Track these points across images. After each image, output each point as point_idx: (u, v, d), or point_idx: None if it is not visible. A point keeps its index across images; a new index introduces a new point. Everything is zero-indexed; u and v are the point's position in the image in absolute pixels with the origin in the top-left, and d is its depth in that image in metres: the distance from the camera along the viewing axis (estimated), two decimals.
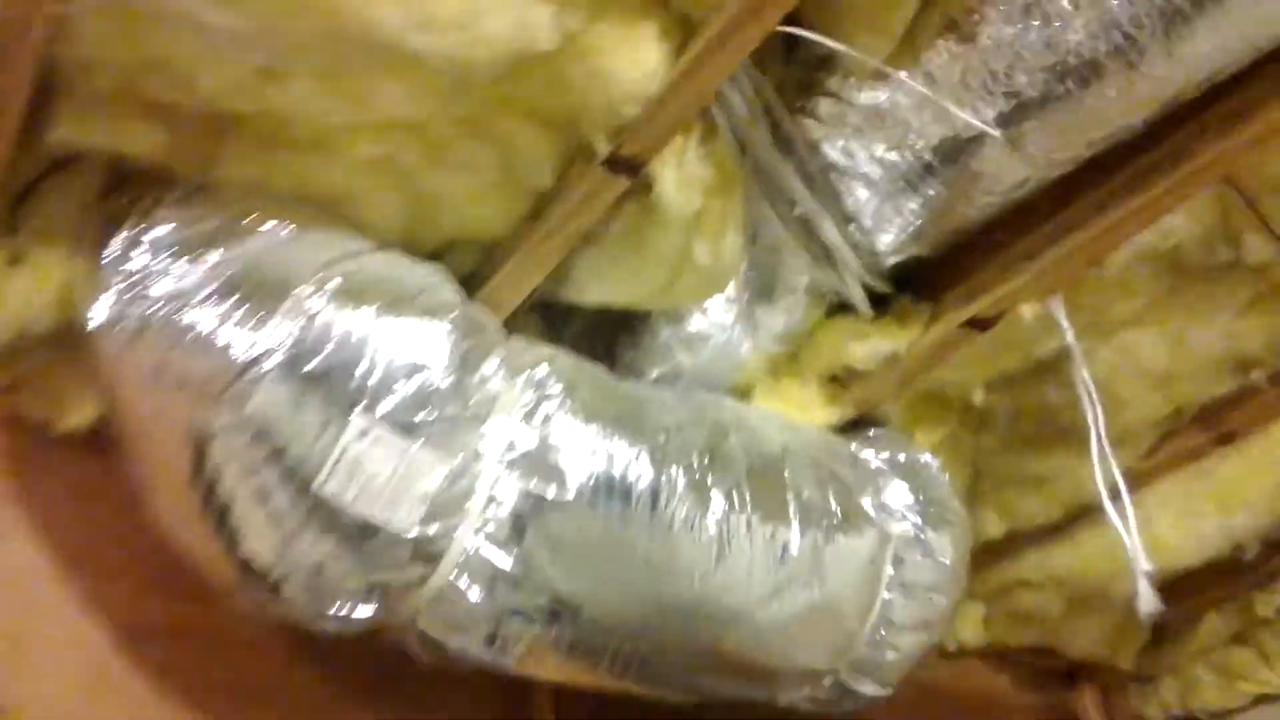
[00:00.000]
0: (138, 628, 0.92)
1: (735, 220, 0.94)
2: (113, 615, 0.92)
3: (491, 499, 0.84)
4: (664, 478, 0.91)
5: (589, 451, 0.88)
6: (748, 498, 0.95)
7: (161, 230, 0.82)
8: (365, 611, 0.83)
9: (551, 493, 0.85)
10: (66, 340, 0.87)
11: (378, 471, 0.79)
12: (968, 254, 1.02)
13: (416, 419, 0.80)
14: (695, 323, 1.06)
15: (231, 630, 0.95)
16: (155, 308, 0.79)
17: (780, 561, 0.93)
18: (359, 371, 0.79)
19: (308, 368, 0.78)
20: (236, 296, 0.79)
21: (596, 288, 0.99)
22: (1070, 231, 0.95)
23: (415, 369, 0.80)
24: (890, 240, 0.97)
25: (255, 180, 0.85)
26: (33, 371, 0.92)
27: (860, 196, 0.95)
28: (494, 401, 0.85)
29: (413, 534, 0.80)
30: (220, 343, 0.78)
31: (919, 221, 0.95)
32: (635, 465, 0.90)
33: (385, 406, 0.79)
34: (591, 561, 0.87)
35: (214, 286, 0.79)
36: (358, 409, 0.78)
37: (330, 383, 0.78)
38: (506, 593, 0.85)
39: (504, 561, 0.84)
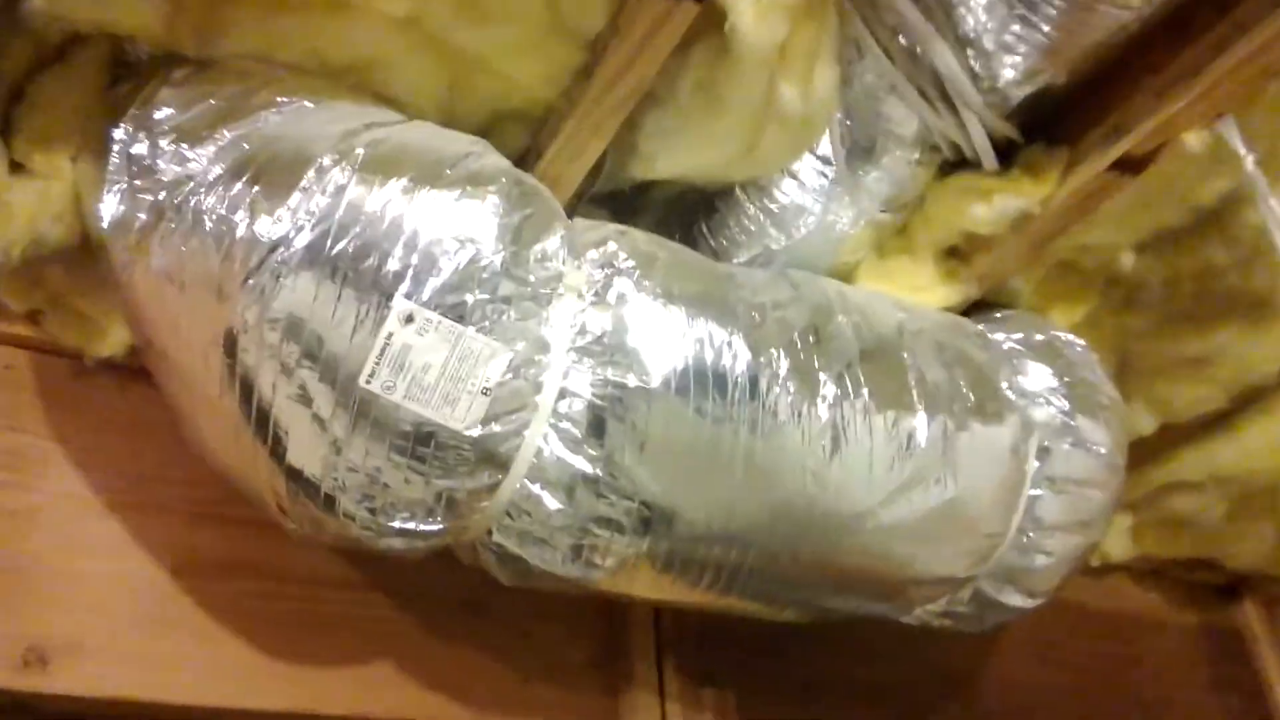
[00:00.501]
0: (194, 562, 0.84)
1: (827, 55, 0.80)
2: (166, 550, 0.84)
3: (564, 392, 0.72)
4: (763, 360, 0.78)
5: (674, 334, 0.76)
6: (862, 381, 0.81)
7: (165, 113, 0.72)
8: (433, 525, 0.73)
9: (633, 381, 0.73)
10: (84, 254, 0.79)
11: (428, 363, 0.68)
12: (1113, 81, 0.85)
13: (467, 302, 0.68)
14: (784, 193, 0.92)
15: (294, 561, 0.86)
16: (164, 196, 0.69)
17: (905, 453, 0.80)
18: (396, 251, 0.67)
19: (335, 249, 0.67)
20: (249, 175, 0.68)
21: (666, 157, 0.86)
22: (1242, 34, 0.78)
23: (461, 245, 0.69)
24: (1017, 67, 0.82)
25: (266, 52, 0.74)
26: (56, 295, 0.84)
27: (980, 15, 0.79)
28: (558, 281, 0.73)
29: (475, 433, 0.69)
30: (237, 229, 0.67)
31: (1051, 36, 0.79)
32: (729, 348, 0.77)
33: (430, 289, 0.68)
34: (684, 459, 0.75)
35: (225, 166, 0.69)
36: (399, 293, 0.67)
37: (363, 265, 0.67)
38: (589, 499, 0.73)
39: (583, 463, 0.73)
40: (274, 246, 0.67)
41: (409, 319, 0.67)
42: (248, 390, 0.69)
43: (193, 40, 0.74)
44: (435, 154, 0.72)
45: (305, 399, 0.68)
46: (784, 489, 0.77)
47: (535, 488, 0.73)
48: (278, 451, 0.71)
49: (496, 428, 0.70)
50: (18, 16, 0.70)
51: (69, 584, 0.81)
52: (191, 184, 0.69)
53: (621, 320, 0.74)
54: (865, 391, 0.81)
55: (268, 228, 0.67)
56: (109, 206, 0.72)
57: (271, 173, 0.68)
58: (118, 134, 0.73)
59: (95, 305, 0.84)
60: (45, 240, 0.78)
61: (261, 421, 0.70)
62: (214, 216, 0.68)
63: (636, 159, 0.86)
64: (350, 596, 0.88)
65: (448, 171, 0.71)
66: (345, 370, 0.68)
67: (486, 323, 0.69)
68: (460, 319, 0.68)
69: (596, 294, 0.75)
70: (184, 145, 0.70)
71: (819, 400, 0.79)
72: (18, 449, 0.84)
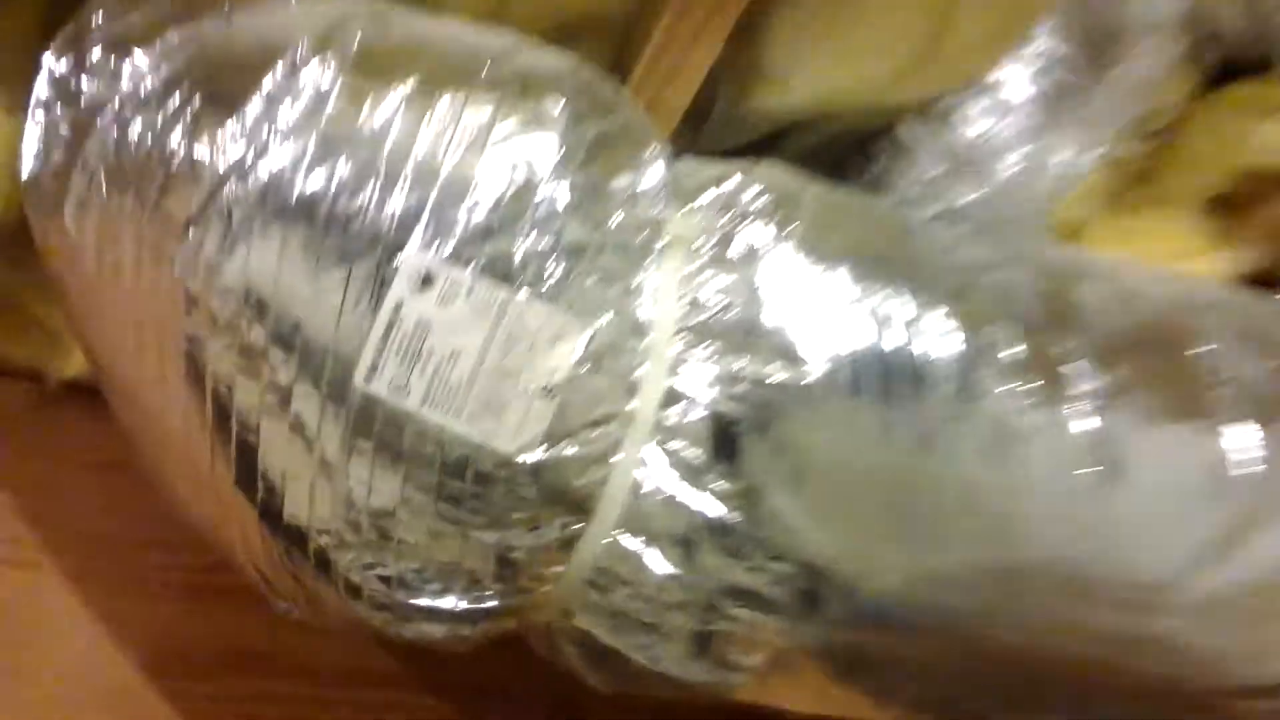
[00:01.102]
0: (176, 652, 0.62)
1: None
2: (142, 636, 0.63)
3: (673, 394, 0.46)
4: (977, 344, 0.51)
5: (837, 305, 0.49)
6: (1136, 375, 0.52)
7: (98, 19, 0.50)
8: (479, 602, 0.48)
9: (779, 375, 0.47)
10: (26, 246, 0.58)
11: (458, 349, 0.43)
12: None
13: (516, 253, 0.44)
14: (974, 122, 0.65)
15: (307, 651, 0.63)
16: (82, 124, 0.48)
17: (1221, 485, 0.50)
18: (402, 183, 0.44)
19: (311, 182, 0.43)
20: (190, 81, 0.46)
21: (804, 75, 0.60)
22: None
23: (504, 171, 0.45)
24: None
25: None
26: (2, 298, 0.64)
27: None
28: (656, 229, 0.48)
29: (534, 459, 0.44)
30: (173, 161, 0.45)
31: None
32: (923, 327, 0.50)
33: (457, 235, 0.43)
34: (864, 497, 0.48)
35: (162, 77, 0.47)
36: (410, 243, 0.43)
37: (354, 204, 0.43)
38: (718, 559, 0.47)
39: (708, 503, 0.47)
40: (221, 180, 0.44)
41: (425, 281, 0.43)
42: (200, 394, 0.46)
43: None
44: (463, 47, 0.48)
45: (280, 408, 0.45)
46: (1027, 544, 0.49)
47: (634, 543, 0.47)
48: (247, 487, 0.47)
49: (569, 450, 0.45)
50: None
51: (13, 683, 0.59)
52: (116, 105, 0.47)
53: (754, 286, 0.48)
54: (1142, 391, 0.52)
55: (212, 153, 0.44)
56: (28, 155, 0.51)
57: (221, 77, 0.46)
58: (46, 56, 0.52)
59: (54, 309, 0.63)
60: None
61: (222, 440, 0.46)
62: (142, 147, 0.46)
63: (760, 83, 0.61)
64: (383, 699, 0.63)
65: (482, 70, 0.47)
66: (335, 364, 0.44)
67: (546, 285, 0.44)
68: (505, 278, 0.44)
69: (716, 248, 0.49)
70: (113, 57, 0.49)
71: (1070, 404, 0.50)
72: None
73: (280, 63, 0.45)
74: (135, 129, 0.46)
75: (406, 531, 0.46)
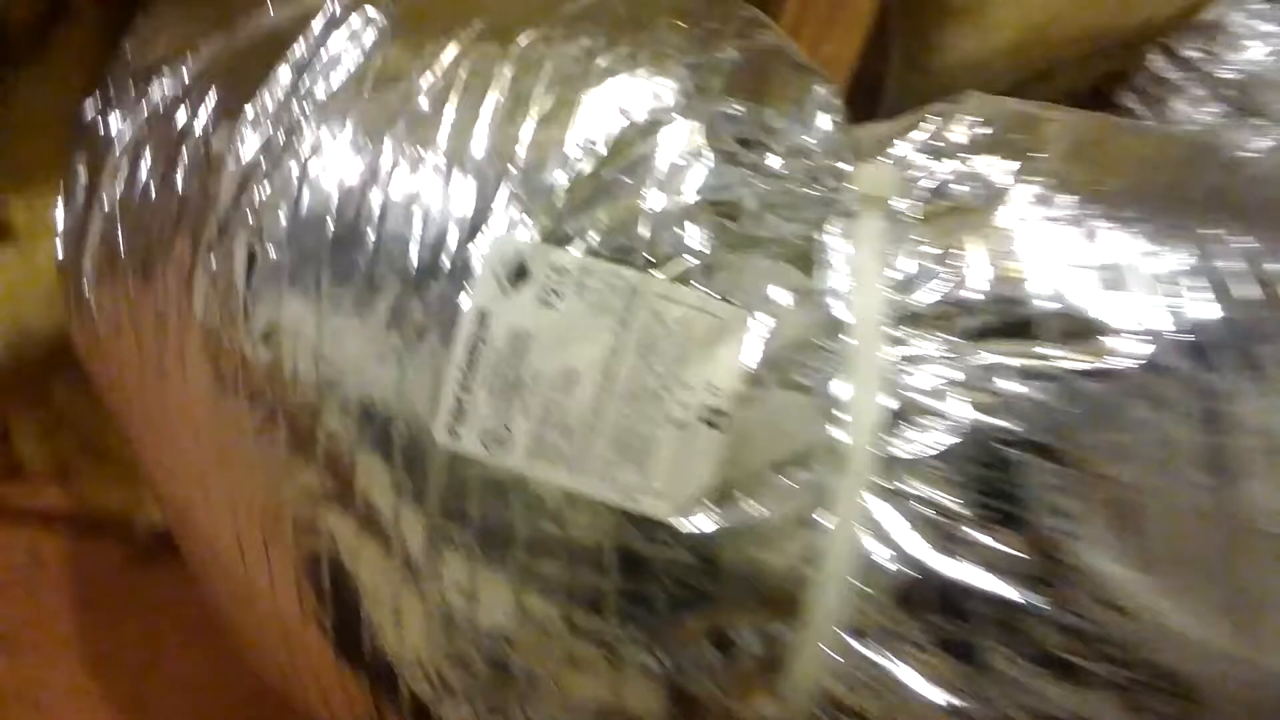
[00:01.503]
0: None
1: None
2: None
3: (900, 409, 0.30)
4: None
5: (1137, 257, 0.32)
6: None
7: (127, 60, 0.42)
8: None
9: (1072, 362, 0.30)
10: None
11: (571, 367, 0.29)
12: None
13: (641, 218, 0.30)
14: (1258, 33, 0.48)
15: None
16: (103, 167, 0.38)
17: None
18: (470, 155, 0.31)
19: (350, 181, 0.32)
20: (208, 78, 0.36)
21: (1009, 9, 0.46)
22: None
23: (619, 113, 0.31)
24: None
25: None
26: (75, 428, 0.55)
27: None
28: (839, 180, 0.33)
29: (704, 525, 0.29)
30: (191, 173, 0.34)
31: None
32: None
33: (554, 207, 0.30)
34: (1243, 550, 0.30)
35: (183, 87, 0.37)
36: (489, 230, 0.30)
37: (400, 204, 0.31)
38: (1016, 666, 0.29)
39: (978, 575, 0.29)
40: (243, 181, 0.32)
41: (517, 275, 0.30)
42: (243, 489, 0.34)
43: None
44: None
45: (341, 489, 0.32)
46: None
47: (876, 652, 0.30)
48: (316, 616, 0.34)
49: (754, 509, 0.29)
50: None
51: None
52: (133, 133, 0.37)
53: (1002, 243, 0.32)
54: None
55: (230, 146, 0.33)
56: (62, 224, 0.42)
57: (242, 62, 0.35)
58: (84, 105, 0.44)
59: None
60: (31, 331, 0.50)
61: (278, 553, 0.33)
62: (158, 170, 0.35)
63: (949, 22, 0.46)
64: None
65: (567, 1, 0.34)
66: (405, 414, 0.30)
67: (690, 261, 0.30)
68: (629, 256, 0.30)
69: (931, 200, 0.33)
70: (136, 87, 0.39)
71: None
72: (40, 699, 0.52)
73: (311, 25, 0.34)
74: (148, 153, 0.36)
75: (532, 661, 0.31)
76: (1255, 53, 0.48)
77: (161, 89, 0.38)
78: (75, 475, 0.56)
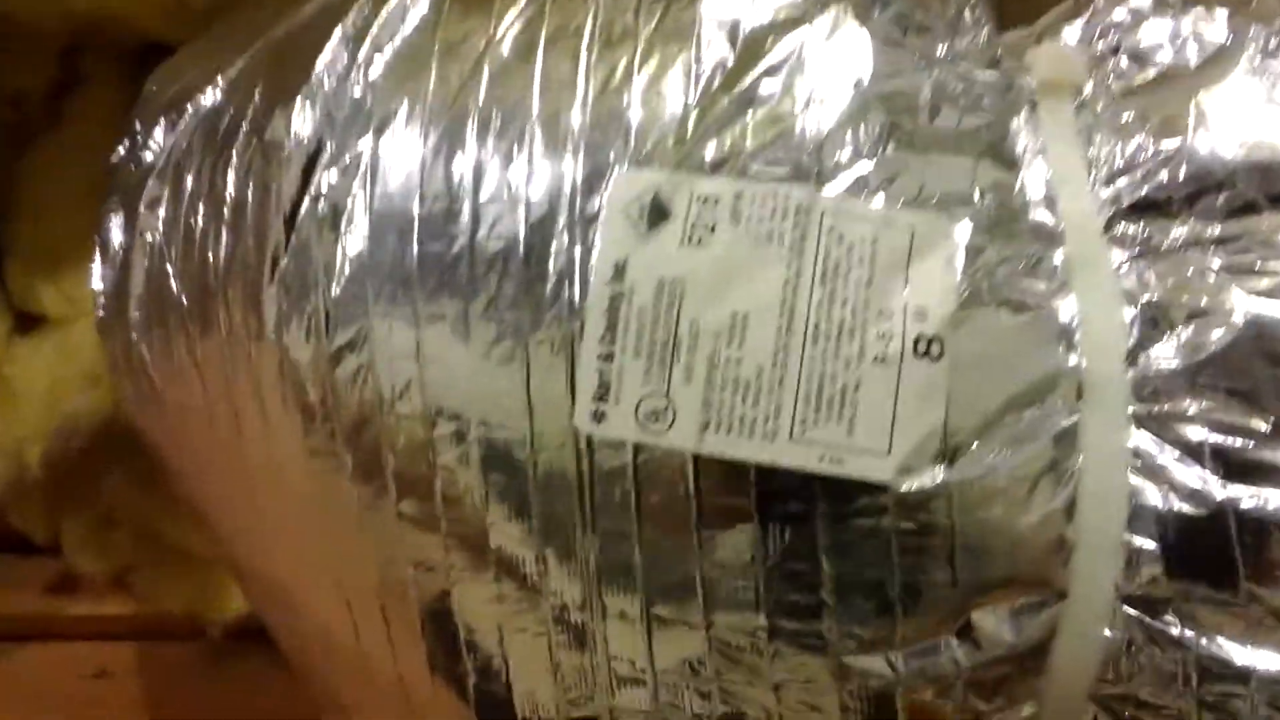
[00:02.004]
0: None
1: None
2: None
3: (1161, 318, 0.24)
4: None
5: None
6: None
7: (153, 97, 0.37)
8: None
9: None
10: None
11: (740, 312, 0.23)
12: None
13: (798, 122, 0.25)
14: None
15: None
16: (137, 210, 0.33)
17: None
18: (577, 78, 0.26)
19: (431, 154, 0.27)
20: (253, 80, 0.31)
21: None
22: None
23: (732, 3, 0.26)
24: None
25: None
26: (133, 526, 0.49)
27: None
28: (1016, 67, 0.28)
29: (934, 481, 0.23)
30: (246, 179, 0.29)
31: None
32: None
33: (691, 123, 0.25)
34: None
35: (220, 98, 0.32)
36: (617, 160, 0.25)
37: (513, 132, 0.26)
38: None
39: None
40: (307, 166, 0.27)
41: (658, 214, 0.24)
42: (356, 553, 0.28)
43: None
44: None
45: (470, 548, 0.26)
46: None
47: (1169, 623, 0.24)
48: (454, 684, 0.28)
49: (995, 458, 0.24)
50: None
51: None
52: (175, 157, 0.32)
53: (1249, 100, 0.26)
54: None
55: (288, 130, 0.28)
56: (99, 285, 0.37)
57: (288, 48, 0.31)
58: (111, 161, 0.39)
59: (196, 529, 0.48)
60: (76, 423, 0.45)
61: (400, 620, 0.28)
62: (203, 183, 0.30)
63: None
64: None
65: None
66: (540, 434, 0.25)
67: (869, 166, 0.25)
68: (797, 171, 0.24)
69: (1130, 74, 0.28)
70: (169, 115, 0.34)
71: None
72: None
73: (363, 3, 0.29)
74: (191, 170, 0.31)
75: (733, 692, 0.25)
76: None
77: (198, 107, 0.33)
78: (135, 580, 0.50)
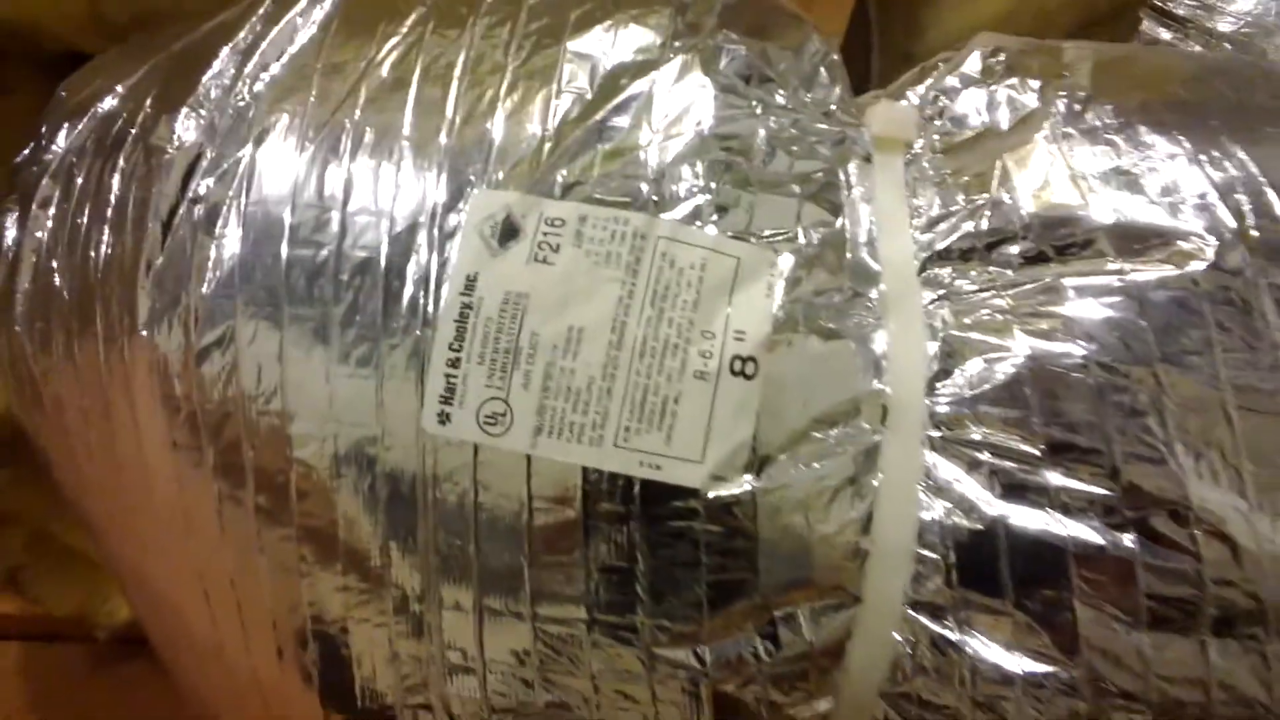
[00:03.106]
0: None
1: None
2: None
3: (945, 354, 0.27)
4: None
5: (1183, 166, 0.30)
6: None
7: (59, 102, 0.38)
8: None
9: (1164, 269, 0.27)
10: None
11: (576, 326, 0.26)
12: None
13: (643, 155, 0.27)
14: None
15: None
16: (54, 195, 0.34)
17: None
18: (443, 106, 0.28)
19: (304, 171, 0.28)
20: (144, 88, 0.33)
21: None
22: None
23: (609, 46, 0.29)
24: None
25: None
26: (26, 526, 0.50)
27: None
28: (851, 116, 0.31)
29: (740, 489, 0.25)
30: (127, 179, 0.31)
31: None
32: None
33: (543, 152, 0.27)
34: None
35: (115, 103, 0.34)
36: (470, 175, 0.27)
37: (386, 140, 0.28)
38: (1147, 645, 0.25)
39: (1049, 520, 0.26)
40: (186, 173, 0.29)
41: (506, 233, 0.27)
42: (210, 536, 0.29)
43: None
44: None
45: (321, 537, 0.27)
46: None
47: (949, 626, 0.26)
48: (299, 660, 0.29)
49: (799, 471, 0.26)
50: None
51: None
52: (69, 160, 0.34)
53: (1046, 162, 0.29)
54: None
55: (171, 137, 0.30)
56: None
57: (182, 60, 0.32)
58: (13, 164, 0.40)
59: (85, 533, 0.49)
60: None
61: (250, 600, 0.29)
62: (91, 184, 0.32)
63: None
64: None
65: None
66: (389, 430, 0.27)
67: (700, 198, 0.27)
68: (633, 199, 0.27)
69: (952, 130, 0.31)
70: (71, 120, 0.36)
71: None
72: None
73: (257, 12, 0.31)
74: (83, 171, 0.33)
75: (556, 682, 0.26)
76: (1244, 2, 0.47)
77: (96, 111, 0.35)
78: (23, 579, 0.50)
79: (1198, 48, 0.46)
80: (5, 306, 0.35)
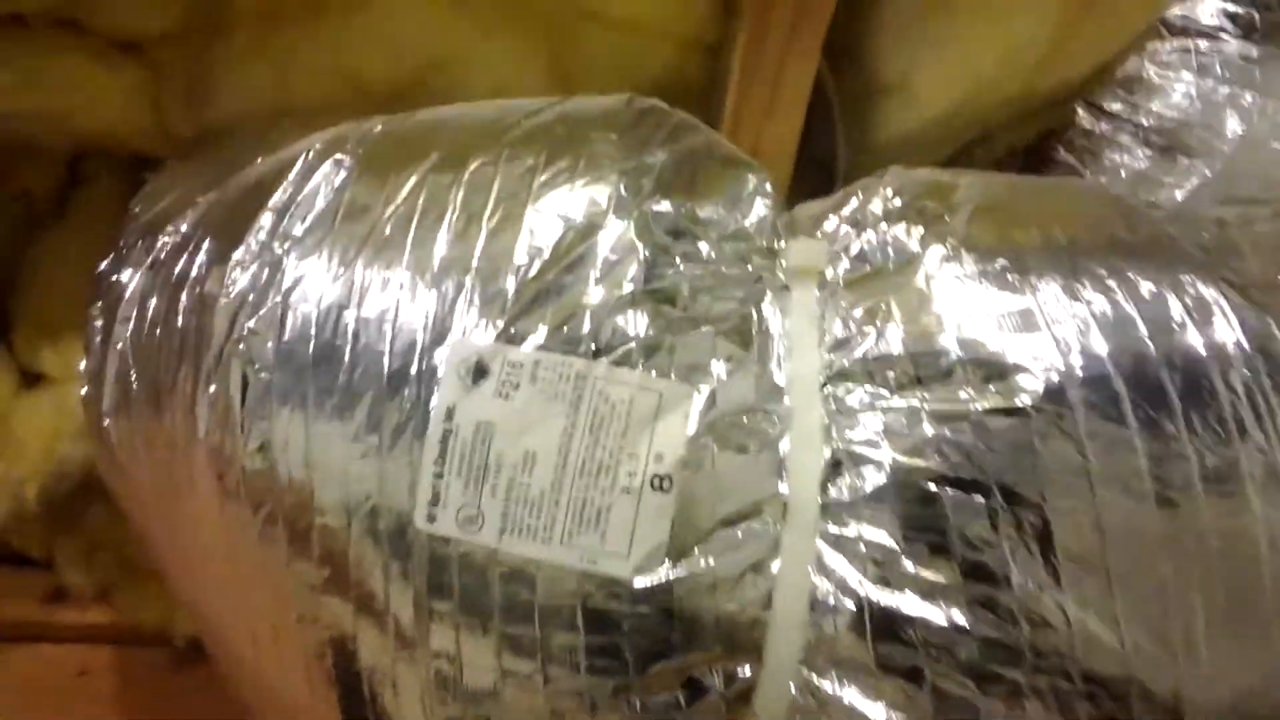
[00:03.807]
0: None
1: None
2: None
3: (838, 459, 0.34)
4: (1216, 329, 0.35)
5: (1051, 305, 0.35)
6: None
7: (135, 218, 0.47)
8: None
9: (985, 402, 0.33)
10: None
11: (531, 450, 0.33)
12: None
13: (584, 312, 0.34)
14: (1158, 94, 0.52)
15: None
16: (114, 319, 0.42)
17: None
18: (431, 269, 0.35)
19: (335, 287, 0.36)
20: (201, 228, 0.40)
21: (928, 72, 0.50)
22: None
23: (560, 220, 0.35)
24: None
25: (278, 95, 0.49)
26: (115, 552, 0.59)
27: None
28: (771, 260, 0.37)
29: (659, 579, 0.32)
30: (185, 314, 0.39)
31: None
32: (1204, 313, 0.35)
33: (506, 309, 0.34)
34: (1148, 565, 0.32)
35: (179, 240, 0.42)
36: (451, 335, 0.34)
37: (374, 319, 0.35)
38: (961, 683, 0.32)
39: (917, 604, 0.32)
40: (234, 316, 0.37)
41: (478, 373, 0.34)
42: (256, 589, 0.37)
43: (183, 110, 0.50)
44: (491, 112, 0.41)
45: (337, 577, 0.35)
46: None
47: (832, 685, 0.33)
48: (324, 687, 0.37)
49: (708, 562, 0.33)
50: None
51: None
52: (138, 285, 0.42)
53: (919, 301, 0.35)
54: None
55: (222, 287, 0.37)
56: (84, 366, 0.47)
57: (230, 212, 0.40)
58: (99, 269, 0.49)
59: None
60: (69, 467, 0.54)
61: (292, 643, 0.37)
62: (157, 319, 0.40)
63: (881, 99, 0.50)
64: None
65: (514, 127, 0.39)
66: (388, 505, 0.34)
67: (631, 344, 0.34)
68: (576, 347, 0.33)
69: (855, 266, 0.37)
70: (143, 242, 0.44)
71: None
72: None
73: (289, 175, 0.39)
74: (154, 299, 0.40)
75: (517, 716, 0.34)
76: (1173, 98, 0.52)
77: (164, 243, 0.43)
78: (116, 594, 0.60)
79: (1129, 140, 0.51)
80: (96, 395, 0.43)
